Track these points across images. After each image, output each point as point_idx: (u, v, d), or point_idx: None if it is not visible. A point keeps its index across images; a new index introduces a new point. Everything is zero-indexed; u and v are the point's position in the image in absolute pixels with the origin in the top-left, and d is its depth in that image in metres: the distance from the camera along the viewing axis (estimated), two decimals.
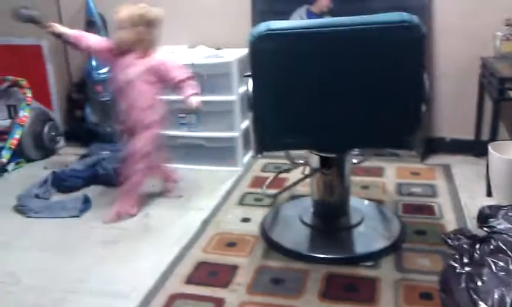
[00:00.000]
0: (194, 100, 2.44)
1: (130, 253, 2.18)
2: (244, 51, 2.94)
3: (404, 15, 1.70)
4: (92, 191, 2.81)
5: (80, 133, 3.53)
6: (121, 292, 1.90)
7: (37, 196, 2.68)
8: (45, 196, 2.73)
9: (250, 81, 1.88)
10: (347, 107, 1.85)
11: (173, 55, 3.10)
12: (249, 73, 1.88)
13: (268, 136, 1.98)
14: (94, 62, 3.27)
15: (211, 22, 3.31)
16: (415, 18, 1.70)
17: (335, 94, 1.83)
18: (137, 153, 2.46)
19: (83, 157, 3.19)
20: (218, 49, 3.15)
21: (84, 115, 3.48)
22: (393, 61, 1.76)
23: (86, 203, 2.62)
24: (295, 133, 1.95)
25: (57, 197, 2.76)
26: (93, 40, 2.52)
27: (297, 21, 1.85)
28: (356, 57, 1.76)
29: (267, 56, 1.80)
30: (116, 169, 2.86)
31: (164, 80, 2.48)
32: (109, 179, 2.84)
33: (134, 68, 2.41)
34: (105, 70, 3.18)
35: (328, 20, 1.77)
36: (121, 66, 2.42)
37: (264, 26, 1.76)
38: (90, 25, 3.29)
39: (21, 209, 2.59)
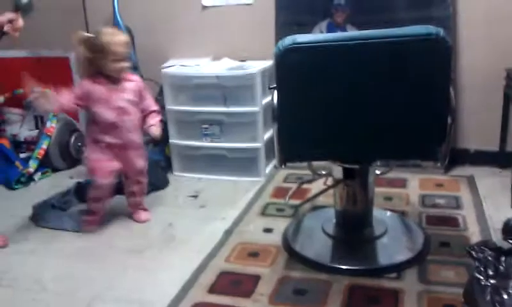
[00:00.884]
0: (156, 130, 2.52)
1: (154, 262, 2.21)
2: (268, 63, 2.98)
3: (430, 28, 1.71)
4: (116, 201, 2.85)
5: None
6: (146, 300, 1.92)
7: (53, 206, 2.72)
8: (63, 206, 2.76)
9: (275, 93, 1.89)
10: (372, 119, 1.85)
11: (198, 67, 3.16)
12: (274, 85, 1.90)
13: (292, 147, 2.00)
14: None
15: (235, 34, 3.35)
16: (441, 31, 1.70)
17: (361, 107, 1.84)
18: (144, 168, 2.57)
19: None
20: (242, 61, 3.19)
21: None
22: (419, 73, 1.76)
23: None
24: (318, 144, 1.95)
25: (81, 207, 2.80)
26: (65, 98, 2.41)
27: (323, 34, 1.87)
28: (382, 70, 1.77)
29: (292, 69, 1.81)
30: None
31: (140, 103, 2.51)
32: None
33: (126, 92, 2.45)
34: None
35: (352, 33, 1.79)
36: (116, 95, 2.42)
37: (289, 39, 1.77)
38: None
39: (34, 218, 2.64)
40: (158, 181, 3.01)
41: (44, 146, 3.29)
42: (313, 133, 1.91)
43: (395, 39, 1.72)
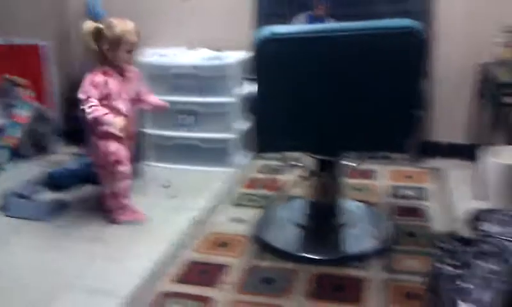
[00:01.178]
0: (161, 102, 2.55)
1: (122, 252, 2.19)
2: (244, 53, 2.97)
3: (406, 22, 1.74)
4: (86, 189, 2.83)
5: (79, 132, 3.54)
6: (112, 290, 1.91)
7: (21, 196, 2.68)
8: (31, 196, 2.72)
9: (253, 84, 1.88)
10: (345, 110, 1.87)
11: (174, 56, 3.14)
12: (251, 76, 1.88)
13: (269, 137, 1.99)
14: None
15: (211, 23, 3.33)
16: (417, 24, 1.72)
17: (336, 98, 1.85)
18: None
19: (78, 155, 3.21)
20: (218, 51, 3.17)
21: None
22: (394, 66, 1.78)
23: (61, 208, 2.60)
24: (294, 135, 1.96)
25: (53, 196, 2.77)
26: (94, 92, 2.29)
27: (302, 25, 1.87)
28: (359, 62, 1.79)
29: (270, 60, 1.80)
30: None
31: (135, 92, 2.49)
32: None
33: (133, 83, 2.45)
34: None
35: (331, 25, 1.80)
36: (126, 87, 2.40)
37: (268, 30, 1.77)
38: None
39: (1, 207, 2.60)
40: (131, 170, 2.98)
41: (16, 135, 3.24)
42: (289, 125, 1.92)
43: (371, 31, 1.74)
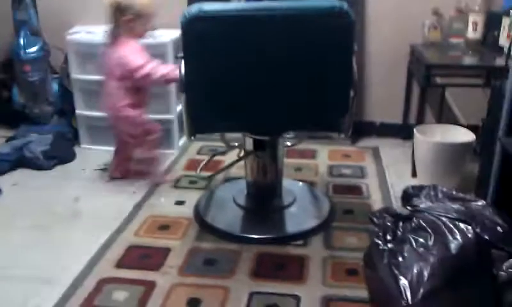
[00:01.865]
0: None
1: (59, 238, 2.12)
2: (179, 32, 2.90)
3: (334, 2, 1.74)
4: (19, 174, 2.70)
5: (6, 115, 3.36)
6: (49, 278, 1.85)
7: None
8: None
9: (182, 63, 1.86)
10: (278, 90, 1.87)
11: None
12: (181, 55, 1.86)
13: (200, 119, 1.97)
14: (22, 41, 3.11)
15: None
16: (344, 5, 1.74)
17: (267, 78, 1.85)
18: None
19: (9, 139, 3.04)
20: (153, 29, 3.08)
21: (11, 96, 3.31)
22: (323, 46, 1.79)
23: None
24: (227, 116, 1.95)
25: None
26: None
27: (231, 4, 1.85)
28: (288, 42, 1.78)
29: (199, 38, 1.78)
30: (44, 151, 2.76)
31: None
32: (36, 162, 2.74)
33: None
34: (33, 48, 3.03)
35: (259, 3, 1.78)
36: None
37: (196, 8, 1.74)
38: (18, 3, 3.11)
39: None
40: (64, 153, 2.88)
41: None
42: (219, 104, 1.90)
43: (300, 11, 1.74)
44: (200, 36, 1.77)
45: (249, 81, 1.85)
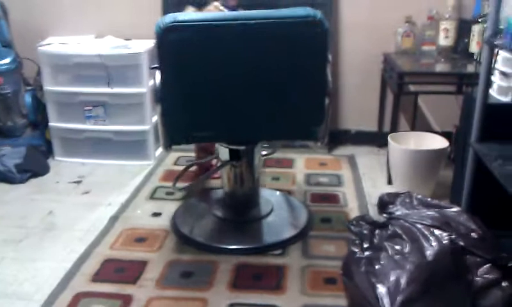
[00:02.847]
0: None
1: (33, 252, 2.08)
2: (153, 42, 2.89)
3: (308, 10, 1.75)
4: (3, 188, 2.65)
5: None
6: (23, 293, 1.81)
7: None
8: None
9: (157, 73, 1.85)
10: (254, 99, 1.88)
11: (79, 46, 2.99)
12: (156, 65, 1.85)
13: (176, 130, 1.96)
14: None
15: (119, 12, 3.21)
16: (318, 14, 1.75)
17: (242, 87, 1.85)
18: None
19: None
20: (127, 40, 3.07)
21: None
22: (298, 54, 1.80)
23: None
24: (203, 126, 1.94)
25: None
26: None
27: (205, 13, 1.85)
28: (263, 51, 1.79)
29: (173, 48, 1.78)
30: (17, 165, 2.71)
31: None
32: (9, 176, 2.69)
33: None
34: (6, 60, 2.98)
35: (234, 13, 1.79)
36: None
37: (170, 17, 1.74)
38: None
39: None
40: (38, 166, 2.83)
41: None
42: (195, 115, 1.89)
43: (274, 20, 1.74)
44: (175, 45, 1.76)
45: (225, 91, 1.85)
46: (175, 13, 1.76)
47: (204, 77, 1.82)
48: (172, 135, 1.98)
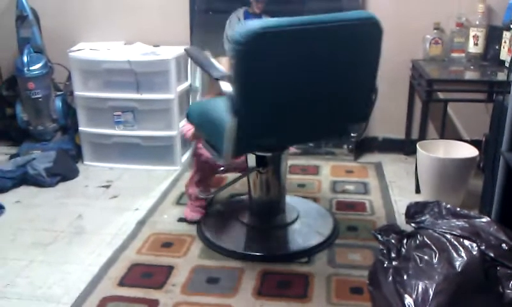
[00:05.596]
0: None
1: (61, 256, 2.11)
2: (182, 49, 2.92)
3: (369, 13, 1.87)
4: (22, 192, 2.70)
5: (10, 132, 3.38)
6: (52, 296, 1.84)
7: None
8: None
9: (229, 84, 1.74)
10: (317, 100, 1.89)
11: (109, 52, 3.04)
12: (223, 74, 1.79)
13: (247, 139, 1.86)
14: (25, 58, 3.13)
15: (148, 19, 3.26)
16: (375, 15, 1.85)
17: (310, 90, 1.86)
18: None
19: (13, 156, 3.06)
20: (155, 46, 3.11)
21: (14, 113, 3.33)
22: (360, 53, 1.88)
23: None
24: (269, 134, 1.91)
25: None
26: None
27: (282, 19, 1.77)
28: (333, 52, 1.83)
29: (261, 56, 1.70)
30: (47, 169, 2.77)
31: None
32: (39, 179, 2.74)
33: None
34: (37, 66, 3.05)
35: (307, 18, 1.75)
36: None
37: (257, 24, 1.66)
38: (22, 20, 3.14)
39: None
40: (67, 170, 2.88)
41: None
42: (272, 122, 1.87)
43: (345, 22, 1.80)
44: (262, 53, 1.70)
45: (296, 94, 1.84)
46: (253, 21, 1.71)
47: (285, 83, 1.79)
48: (239, 146, 1.84)
